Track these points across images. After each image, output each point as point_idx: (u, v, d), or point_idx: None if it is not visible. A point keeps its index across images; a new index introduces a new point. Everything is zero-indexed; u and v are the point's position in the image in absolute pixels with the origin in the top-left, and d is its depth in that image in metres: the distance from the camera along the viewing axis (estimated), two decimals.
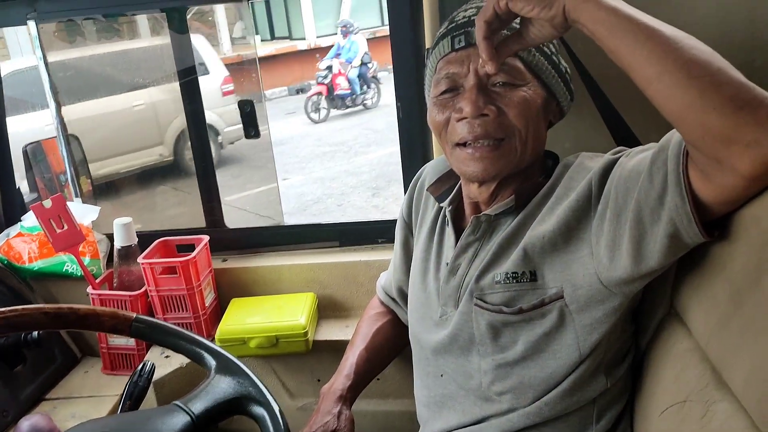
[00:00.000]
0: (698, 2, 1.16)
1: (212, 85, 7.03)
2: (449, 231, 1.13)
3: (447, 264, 1.11)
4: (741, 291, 0.80)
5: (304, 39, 13.45)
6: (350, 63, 10.35)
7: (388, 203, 6.14)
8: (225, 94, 7.08)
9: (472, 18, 1.01)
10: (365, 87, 10.43)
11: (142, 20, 5.99)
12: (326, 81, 10.09)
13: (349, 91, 10.17)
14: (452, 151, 1.04)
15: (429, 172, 1.25)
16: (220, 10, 9.10)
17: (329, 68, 10.28)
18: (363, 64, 10.45)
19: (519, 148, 1.00)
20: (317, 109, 9.90)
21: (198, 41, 6.93)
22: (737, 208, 0.82)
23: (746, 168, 0.73)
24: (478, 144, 0.99)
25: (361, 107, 10.42)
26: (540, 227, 0.99)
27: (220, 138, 7.15)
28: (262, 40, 13.91)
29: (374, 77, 10.50)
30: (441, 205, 1.16)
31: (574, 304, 0.97)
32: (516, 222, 1.03)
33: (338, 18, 13.54)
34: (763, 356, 0.74)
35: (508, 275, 1.01)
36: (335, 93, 10.08)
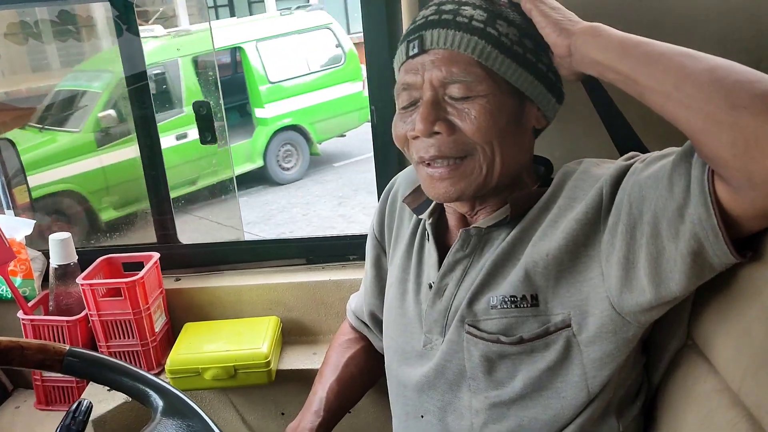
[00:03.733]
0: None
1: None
2: (430, 247, 1.00)
3: (431, 285, 0.98)
4: None
5: None
6: None
7: (354, 212, 6.03)
8: None
9: (429, 18, 0.89)
10: None
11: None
12: None
13: None
14: (417, 167, 0.94)
15: (402, 183, 1.13)
16: (182, 9, 8.44)
17: None
18: None
19: (484, 167, 0.88)
20: None
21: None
22: None
23: None
24: (436, 164, 0.89)
25: None
26: (542, 243, 0.87)
27: None
28: None
29: None
30: (420, 217, 1.03)
31: (583, 334, 0.85)
32: (512, 236, 0.91)
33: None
34: None
35: (506, 299, 0.89)
36: None
